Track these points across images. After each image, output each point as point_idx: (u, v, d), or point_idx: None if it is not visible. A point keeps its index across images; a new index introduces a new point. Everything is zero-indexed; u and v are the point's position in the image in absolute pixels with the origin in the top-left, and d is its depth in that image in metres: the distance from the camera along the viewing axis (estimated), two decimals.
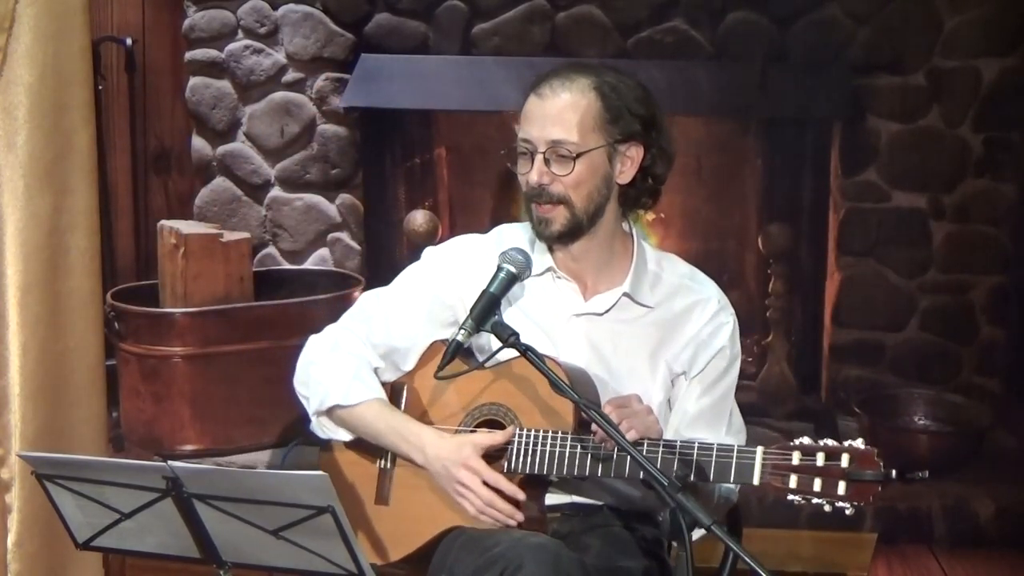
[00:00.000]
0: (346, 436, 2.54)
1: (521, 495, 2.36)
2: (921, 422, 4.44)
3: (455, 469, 2.37)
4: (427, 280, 2.58)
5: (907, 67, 4.38)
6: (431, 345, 2.55)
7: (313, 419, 2.55)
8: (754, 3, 4.40)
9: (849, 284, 4.52)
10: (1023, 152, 4.40)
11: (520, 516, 2.36)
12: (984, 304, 4.47)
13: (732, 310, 2.55)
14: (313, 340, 2.59)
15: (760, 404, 4.49)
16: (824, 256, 4.56)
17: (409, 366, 2.57)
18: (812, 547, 3.86)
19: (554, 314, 2.52)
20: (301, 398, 2.57)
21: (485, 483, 2.36)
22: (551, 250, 2.53)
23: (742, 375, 2.57)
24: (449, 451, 2.40)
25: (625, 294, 2.51)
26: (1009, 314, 4.47)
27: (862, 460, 2.16)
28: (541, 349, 2.35)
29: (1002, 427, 4.40)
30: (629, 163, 2.47)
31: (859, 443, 2.18)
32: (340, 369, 2.51)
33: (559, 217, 2.44)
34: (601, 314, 2.51)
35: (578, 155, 2.41)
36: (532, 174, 2.42)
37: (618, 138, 2.44)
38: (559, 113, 2.41)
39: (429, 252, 2.64)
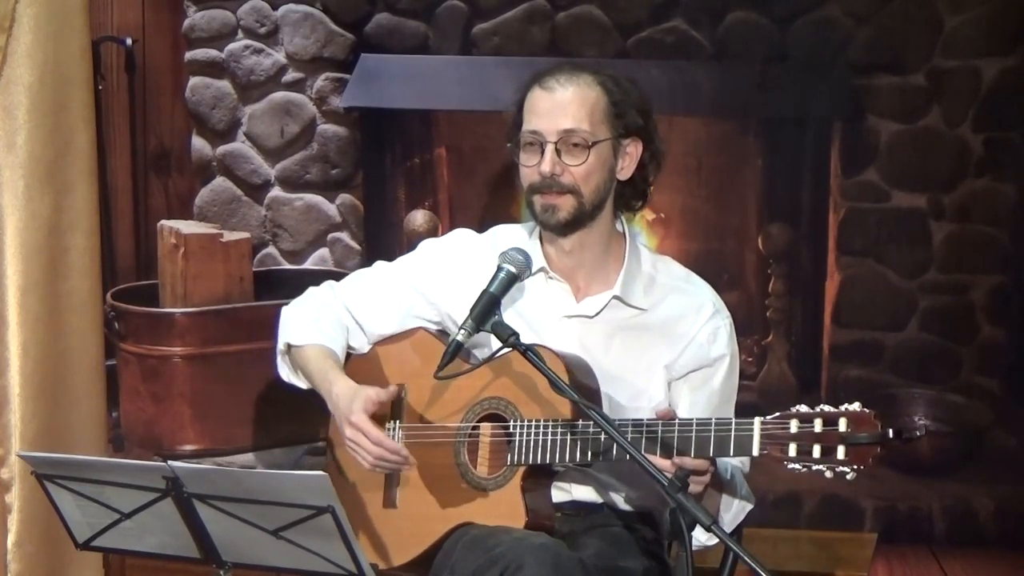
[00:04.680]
0: (301, 383, 2.61)
1: (404, 451, 2.41)
2: (921, 422, 4.43)
3: (343, 424, 2.44)
4: (415, 275, 2.62)
5: (907, 67, 4.37)
6: (421, 336, 2.58)
7: (279, 360, 2.64)
8: (754, 3, 4.39)
9: (849, 284, 4.51)
10: (1023, 152, 4.39)
11: (413, 461, 2.40)
12: (984, 304, 4.47)
13: (727, 312, 2.55)
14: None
15: (760, 404, 4.47)
16: (824, 256, 4.55)
17: (364, 346, 2.63)
18: (812, 547, 3.86)
19: (545, 315, 2.52)
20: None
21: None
22: (544, 249, 2.54)
23: (742, 375, 2.57)
24: (345, 402, 2.45)
25: (615, 296, 2.51)
26: (1009, 314, 4.47)
27: (859, 423, 2.15)
28: None
29: (1002, 427, 4.40)
30: (629, 159, 2.50)
31: (856, 406, 2.17)
32: (305, 313, 2.61)
33: (566, 205, 2.46)
34: (592, 316, 2.51)
35: (592, 144, 2.43)
36: (544, 164, 2.44)
37: (622, 132, 2.48)
38: (570, 104, 2.44)
39: (425, 245, 2.68)
